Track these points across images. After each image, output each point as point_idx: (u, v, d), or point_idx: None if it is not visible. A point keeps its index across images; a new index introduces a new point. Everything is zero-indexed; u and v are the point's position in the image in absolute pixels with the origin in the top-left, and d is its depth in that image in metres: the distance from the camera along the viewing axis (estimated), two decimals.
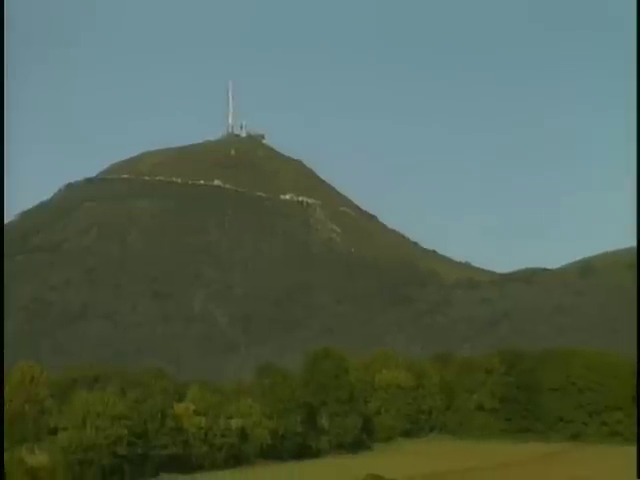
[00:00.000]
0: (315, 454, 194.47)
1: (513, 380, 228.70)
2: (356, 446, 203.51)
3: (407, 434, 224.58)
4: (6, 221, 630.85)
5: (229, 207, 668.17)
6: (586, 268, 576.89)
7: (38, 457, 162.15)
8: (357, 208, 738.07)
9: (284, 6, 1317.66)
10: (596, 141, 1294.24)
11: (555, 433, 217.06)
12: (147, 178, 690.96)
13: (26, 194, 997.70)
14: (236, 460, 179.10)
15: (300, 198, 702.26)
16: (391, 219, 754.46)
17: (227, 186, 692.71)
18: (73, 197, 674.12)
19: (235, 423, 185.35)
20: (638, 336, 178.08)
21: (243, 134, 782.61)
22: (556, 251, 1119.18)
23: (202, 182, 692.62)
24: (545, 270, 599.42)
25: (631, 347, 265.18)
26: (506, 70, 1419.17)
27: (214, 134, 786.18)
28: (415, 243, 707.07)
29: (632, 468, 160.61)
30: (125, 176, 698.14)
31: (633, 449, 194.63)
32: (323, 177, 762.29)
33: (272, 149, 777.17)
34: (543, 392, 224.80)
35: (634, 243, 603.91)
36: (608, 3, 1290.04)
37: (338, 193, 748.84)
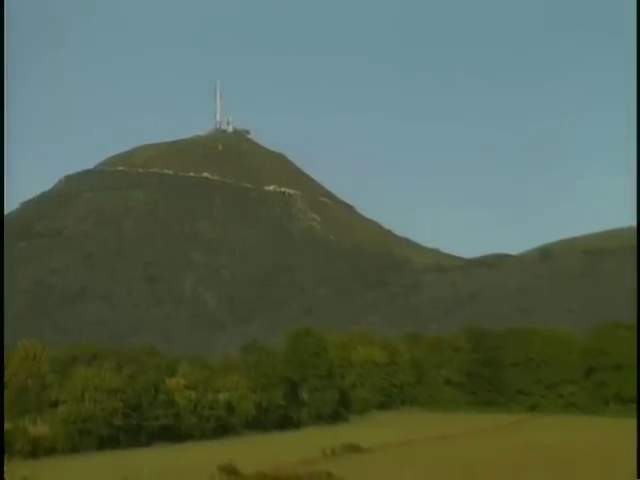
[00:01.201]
0: (296, 425, 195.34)
1: (478, 357, 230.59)
2: (334, 417, 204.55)
3: (381, 406, 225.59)
4: (10, 210, 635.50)
5: (217, 197, 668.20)
6: (545, 254, 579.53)
7: (40, 428, 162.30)
8: (335, 198, 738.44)
9: (267, 9, 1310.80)
10: (559, 136, 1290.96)
11: (516, 405, 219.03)
12: (141, 170, 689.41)
13: (28, 185, 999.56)
14: (223, 430, 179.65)
15: (282, 189, 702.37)
16: (367, 209, 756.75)
17: (215, 178, 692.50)
18: (72, 188, 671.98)
19: (222, 396, 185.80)
20: (638, 329, 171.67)
21: (229, 130, 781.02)
22: (517, 238, 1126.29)
23: (192, 174, 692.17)
24: (507, 256, 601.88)
25: (584, 326, 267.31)
26: (473, 59, 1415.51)
27: (203, 130, 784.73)
28: (389, 231, 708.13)
29: (585, 436, 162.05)
30: (121, 168, 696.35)
31: (585, 418, 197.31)
32: (304, 170, 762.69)
33: (256, 143, 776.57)
34: (505, 367, 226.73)
35: (587, 231, 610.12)
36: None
37: (318, 184, 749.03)
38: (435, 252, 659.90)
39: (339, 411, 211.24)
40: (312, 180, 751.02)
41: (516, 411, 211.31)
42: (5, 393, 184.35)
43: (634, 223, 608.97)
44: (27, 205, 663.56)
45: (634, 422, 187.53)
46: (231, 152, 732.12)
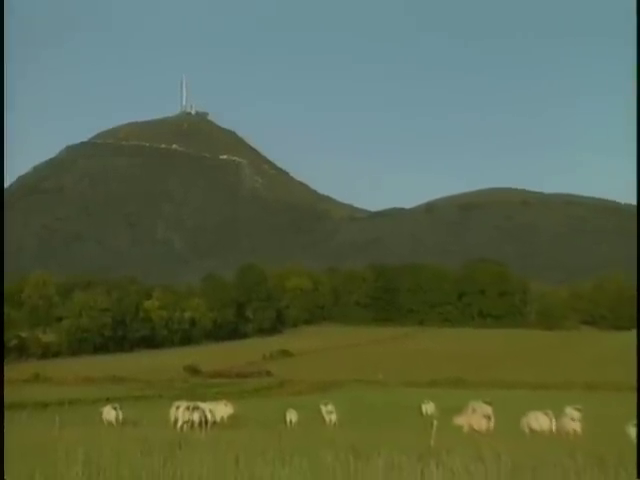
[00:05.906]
0: (243, 336, 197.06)
1: (380, 285, 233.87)
2: (272, 331, 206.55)
3: (307, 322, 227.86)
4: (23, 172, 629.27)
5: (183, 164, 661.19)
6: (430, 207, 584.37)
7: (49, 336, 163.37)
8: (274, 166, 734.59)
9: (230, 9, 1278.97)
10: (440, 101, 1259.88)
11: (407, 320, 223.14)
12: (124, 142, 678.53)
13: (38, 153, 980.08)
14: (188, 340, 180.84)
15: (233, 158, 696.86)
16: (298, 173, 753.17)
17: (181, 149, 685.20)
18: (72, 155, 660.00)
19: (187, 315, 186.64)
20: (638, 312, 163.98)
21: (193, 112, 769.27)
22: (409, 195, 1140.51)
23: (163, 146, 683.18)
24: (402, 209, 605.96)
25: (458, 262, 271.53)
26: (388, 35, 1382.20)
27: (172, 112, 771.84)
28: (315, 191, 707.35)
29: (457, 341, 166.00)
30: (109, 141, 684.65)
31: (458, 330, 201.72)
32: (250, 143, 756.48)
33: (214, 123, 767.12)
34: (400, 293, 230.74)
35: (466, 189, 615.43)
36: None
37: (261, 155, 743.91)
38: (349, 206, 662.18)
39: (276, 326, 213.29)
40: (256, 151, 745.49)
41: (407, 325, 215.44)
42: (21, 310, 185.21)
43: (502, 184, 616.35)
44: (38, 168, 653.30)
45: (492, 331, 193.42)
46: (194, 129, 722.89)
